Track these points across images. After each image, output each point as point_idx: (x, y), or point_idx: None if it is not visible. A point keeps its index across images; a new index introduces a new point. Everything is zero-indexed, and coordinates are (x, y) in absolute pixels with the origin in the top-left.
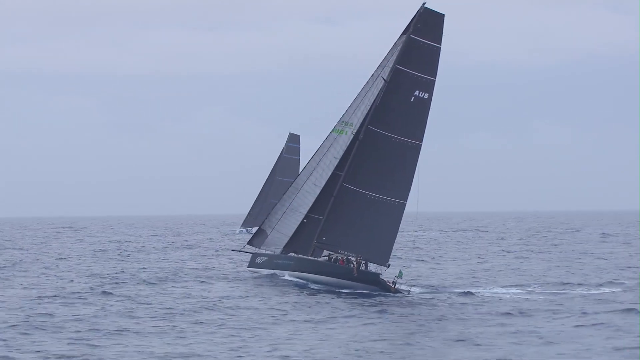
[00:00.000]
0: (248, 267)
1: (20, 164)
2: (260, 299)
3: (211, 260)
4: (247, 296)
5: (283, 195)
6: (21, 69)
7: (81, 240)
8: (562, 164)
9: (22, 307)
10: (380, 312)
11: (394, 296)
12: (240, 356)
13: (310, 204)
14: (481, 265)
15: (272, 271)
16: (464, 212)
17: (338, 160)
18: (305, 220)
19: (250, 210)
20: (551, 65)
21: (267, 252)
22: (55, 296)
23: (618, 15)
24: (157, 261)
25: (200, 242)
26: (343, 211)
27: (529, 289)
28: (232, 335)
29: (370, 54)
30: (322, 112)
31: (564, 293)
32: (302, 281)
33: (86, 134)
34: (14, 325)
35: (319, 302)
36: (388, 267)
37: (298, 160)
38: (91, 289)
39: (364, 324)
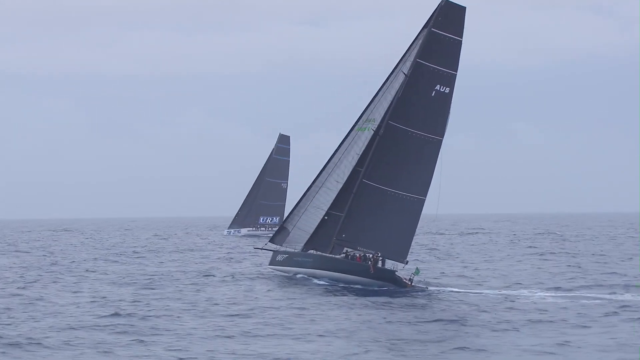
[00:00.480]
0: (269, 264)
1: (2, 166)
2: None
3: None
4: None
5: (305, 192)
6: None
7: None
8: (544, 165)
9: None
10: (392, 308)
11: (409, 293)
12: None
13: (332, 201)
14: (514, 266)
15: (291, 269)
16: (448, 215)
17: (359, 156)
18: (326, 218)
19: (238, 211)
20: (538, 67)
21: (287, 249)
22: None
23: (603, 18)
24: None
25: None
26: (362, 207)
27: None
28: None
29: (356, 56)
30: (308, 114)
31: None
32: (319, 279)
33: (68, 135)
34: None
35: (336, 303)
36: (406, 263)
37: (288, 162)
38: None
39: (378, 323)
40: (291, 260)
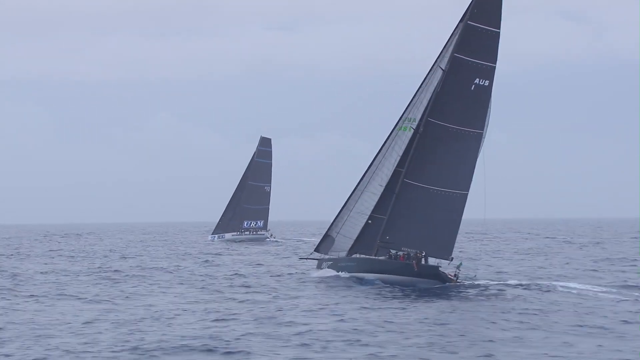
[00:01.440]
0: (314, 273)
1: None
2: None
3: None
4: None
5: (348, 198)
6: None
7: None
8: (510, 169)
9: None
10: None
11: (455, 288)
12: None
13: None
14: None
15: (336, 274)
16: None
17: (400, 156)
18: (370, 222)
19: (221, 216)
20: (508, 72)
21: (331, 256)
22: None
23: (575, 24)
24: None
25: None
26: (405, 208)
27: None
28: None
29: (328, 61)
30: (279, 119)
31: None
32: (362, 281)
33: (35, 140)
34: None
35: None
36: (451, 260)
37: (270, 164)
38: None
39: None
40: (335, 266)
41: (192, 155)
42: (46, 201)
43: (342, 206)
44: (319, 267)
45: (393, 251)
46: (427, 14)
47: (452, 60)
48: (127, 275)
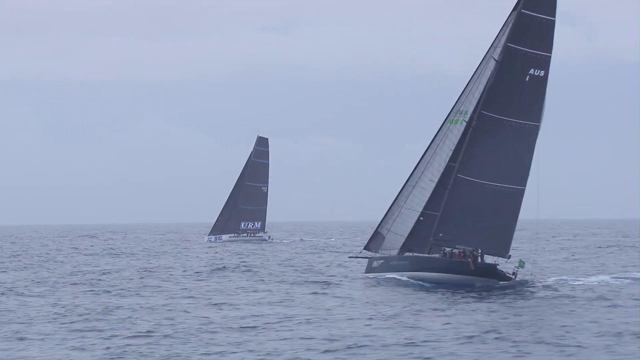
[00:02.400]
0: (365, 272)
1: None
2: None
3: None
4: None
5: (398, 194)
6: None
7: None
8: None
9: None
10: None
11: (515, 287)
12: None
13: (426, 201)
14: None
15: (388, 274)
16: None
17: (452, 151)
18: (421, 218)
19: (218, 217)
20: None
21: (382, 255)
22: None
23: (569, 25)
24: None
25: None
26: (458, 204)
27: None
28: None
29: (325, 63)
30: (271, 121)
31: None
32: (418, 281)
33: (24, 141)
34: None
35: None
36: (508, 258)
37: (267, 164)
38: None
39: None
40: (387, 265)
41: (186, 157)
42: (37, 202)
43: (391, 202)
44: (370, 266)
45: (447, 249)
46: (425, 15)
47: (506, 50)
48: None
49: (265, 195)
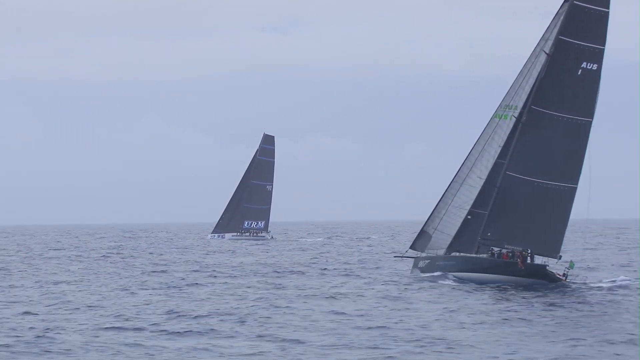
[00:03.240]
0: (411, 272)
1: None
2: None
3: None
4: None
5: (444, 192)
6: None
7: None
8: None
9: None
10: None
11: (566, 288)
12: None
13: (474, 199)
14: None
15: (434, 274)
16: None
17: (501, 147)
18: (469, 217)
19: (222, 215)
20: (506, 73)
21: (429, 254)
22: None
23: None
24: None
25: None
26: (508, 202)
27: None
28: None
29: (325, 63)
30: (273, 121)
31: None
32: (465, 282)
33: (23, 141)
34: None
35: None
36: (559, 259)
37: (273, 163)
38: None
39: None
40: (434, 265)
41: (185, 157)
42: (37, 202)
43: (438, 200)
44: (416, 265)
45: (495, 249)
46: (425, 15)
47: (557, 43)
48: None
49: (269, 194)
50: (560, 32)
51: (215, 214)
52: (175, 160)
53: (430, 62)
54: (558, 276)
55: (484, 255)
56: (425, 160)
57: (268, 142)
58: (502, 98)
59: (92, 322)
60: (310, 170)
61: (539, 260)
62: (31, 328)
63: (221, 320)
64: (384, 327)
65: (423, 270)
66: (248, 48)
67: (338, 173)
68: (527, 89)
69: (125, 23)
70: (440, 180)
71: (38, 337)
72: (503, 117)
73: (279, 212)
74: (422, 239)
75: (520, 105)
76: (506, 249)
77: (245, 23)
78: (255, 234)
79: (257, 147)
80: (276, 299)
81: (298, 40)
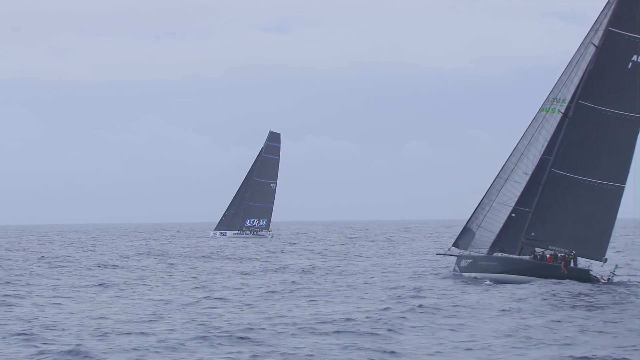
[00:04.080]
0: (453, 271)
1: None
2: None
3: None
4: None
5: (489, 187)
6: None
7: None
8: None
9: None
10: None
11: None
12: None
13: (519, 196)
14: None
15: (476, 274)
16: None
17: (547, 142)
18: (513, 215)
19: (225, 212)
20: (505, 73)
21: (471, 253)
22: None
23: (569, 23)
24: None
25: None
26: (552, 201)
27: None
28: None
29: (324, 63)
30: (272, 121)
31: None
32: (505, 284)
33: (22, 141)
34: None
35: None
36: (604, 262)
37: (278, 161)
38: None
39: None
40: (475, 265)
41: (185, 157)
42: (37, 202)
43: (483, 196)
44: (458, 264)
45: (539, 250)
46: (425, 15)
47: (607, 35)
48: None
49: (273, 192)
50: (610, 23)
51: (214, 214)
52: (175, 160)
53: (430, 62)
54: (603, 281)
55: (527, 257)
56: (425, 160)
57: (274, 139)
58: (548, 91)
59: None
60: (309, 170)
61: (583, 262)
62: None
63: None
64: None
65: (465, 270)
66: (248, 48)
67: (337, 173)
68: (576, 82)
69: (125, 23)
70: (441, 180)
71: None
72: (550, 110)
73: (281, 212)
74: (465, 236)
75: (568, 98)
76: (550, 250)
77: (245, 23)
78: (256, 233)
79: (258, 146)
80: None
81: (298, 40)
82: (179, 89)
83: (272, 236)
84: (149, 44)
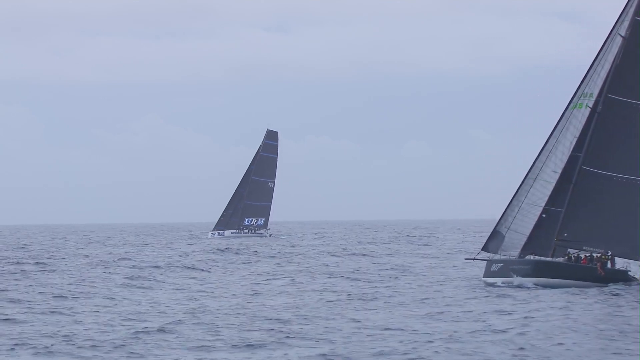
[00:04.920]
0: (483, 276)
1: None
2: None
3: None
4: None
5: (518, 187)
6: None
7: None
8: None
9: None
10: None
11: None
12: None
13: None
14: None
15: (509, 279)
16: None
17: (576, 139)
18: (544, 215)
19: (223, 212)
20: (504, 73)
21: (502, 257)
22: None
23: (569, 23)
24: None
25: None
26: (585, 199)
27: None
28: None
29: (322, 63)
30: (272, 121)
31: None
32: (539, 287)
33: (22, 142)
34: None
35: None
36: None
37: (275, 159)
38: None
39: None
40: (507, 269)
41: (185, 157)
42: (37, 202)
43: (511, 197)
44: (488, 269)
45: (573, 251)
46: (425, 15)
47: (634, 25)
48: None
49: (271, 191)
50: (636, 13)
51: (214, 214)
52: (175, 160)
53: (430, 62)
54: None
55: (561, 260)
56: (425, 160)
57: (271, 137)
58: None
59: None
60: (309, 170)
61: (620, 262)
62: None
63: None
64: None
65: (496, 275)
66: (248, 48)
67: (337, 173)
68: (603, 75)
69: (125, 23)
70: (441, 180)
71: None
72: (578, 105)
73: (281, 211)
74: (495, 239)
75: (596, 92)
76: (584, 251)
77: (245, 23)
78: (254, 232)
79: (258, 145)
80: None
81: (298, 40)
82: (179, 89)
83: (271, 235)
84: (149, 44)
